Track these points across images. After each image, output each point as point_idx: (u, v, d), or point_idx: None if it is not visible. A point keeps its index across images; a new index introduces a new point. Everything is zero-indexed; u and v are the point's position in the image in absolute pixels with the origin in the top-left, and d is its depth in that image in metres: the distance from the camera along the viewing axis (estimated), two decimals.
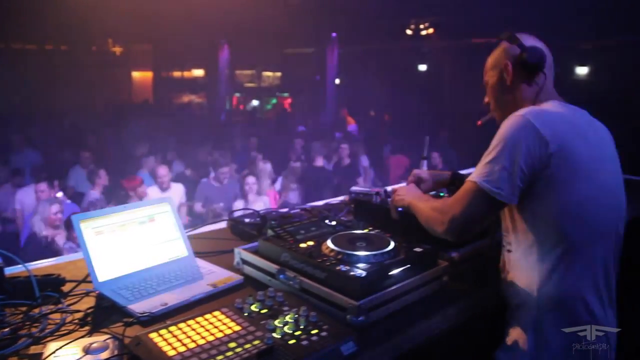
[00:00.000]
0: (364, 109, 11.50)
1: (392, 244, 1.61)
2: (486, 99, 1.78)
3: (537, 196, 1.47)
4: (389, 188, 2.44)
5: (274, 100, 14.69)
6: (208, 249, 2.04)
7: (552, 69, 1.69)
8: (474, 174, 1.50)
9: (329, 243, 1.60)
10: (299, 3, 10.08)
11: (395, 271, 1.51)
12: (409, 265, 1.54)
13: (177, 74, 16.48)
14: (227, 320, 1.38)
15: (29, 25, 11.03)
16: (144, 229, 1.82)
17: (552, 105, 1.58)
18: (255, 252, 1.75)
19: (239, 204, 5.77)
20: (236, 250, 1.79)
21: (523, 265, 1.55)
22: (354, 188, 2.71)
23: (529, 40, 1.67)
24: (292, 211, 2.44)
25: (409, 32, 10.63)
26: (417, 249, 1.62)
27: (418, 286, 1.56)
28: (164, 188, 5.63)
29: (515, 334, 1.58)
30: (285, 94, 14.81)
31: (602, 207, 1.51)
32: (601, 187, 1.51)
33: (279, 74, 15.70)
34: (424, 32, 10.63)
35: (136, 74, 16.65)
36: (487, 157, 1.49)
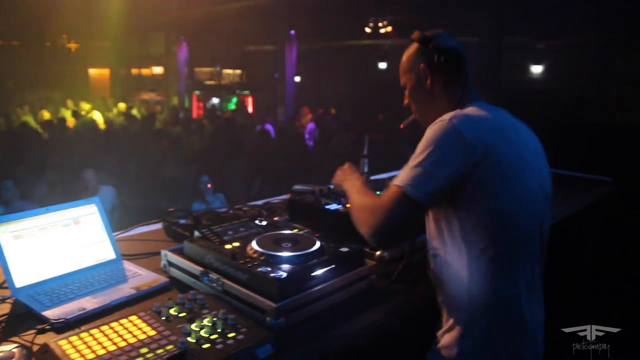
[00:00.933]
0: (324, 106, 11.50)
1: (317, 244, 1.59)
2: (406, 101, 1.75)
3: (465, 202, 1.45)
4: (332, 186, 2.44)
5: (235, 99, 14.54)
6: (139, 251, 1.99)
7: (469, 68, 1.65)
8: (399, 178, 1.46)
9: (254, 244, 1.58)
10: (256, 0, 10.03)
11: (318, 272, 1.50)
12: (333, 266, 1.53)
13: (135, 71, 16.16)
14: (142, 325, 1.34)
15: None
16: (67, 231, 1.77)
17: (476, 109, 1.54)
18: (181, 253, 1.71)
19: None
20: (163, 252, 1.75)
21: (452, 270, 1.53)
22: (296, 186, 2.69)
23: (443, 40, 1.63)
24: (230, 211, 2.41)
25: (367, 30, 10.66)
26: (343, 249, 1.61)
27: (343, 286, 1.56)
28: (89, 194, 5.41)
29: (446, 337, 1.57)
30: (246, 92, 14.69)
31: (528, 209, 1.50)
32: (526, 189, 1.50)
33: (239, 71, 15.56)
34: (382, 30, 10.68)
35: (93, 71, 16.29)
36: (412, 161, 1.46)
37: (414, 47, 1.67)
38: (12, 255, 1.61)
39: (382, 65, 13.22)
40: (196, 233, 1.74)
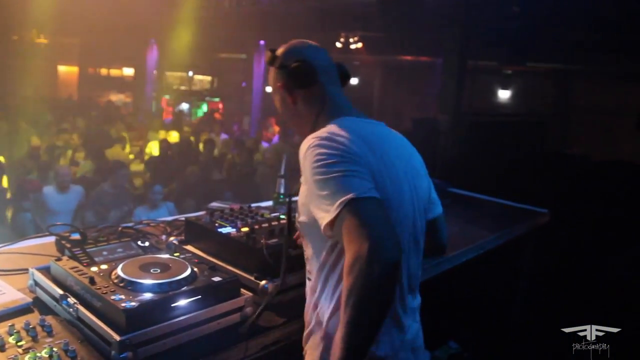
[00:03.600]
0: None
1: (187, 272, 1.50)
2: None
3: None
4: (253, 205, 2.34)
5: (204, 105, 14.40)
6: (23, 266, 1.86)
7: (331, 74, 1.58)
8: (329, 210, 1.24)
9: (118, 268, 1.48)
10: (230, 8, 9.94)
11: (181, 302, 1.40)
12: (200, 296, 1.44)
13: (104, 71, 15.90)
14: None
15: None
16: None
17: (335, 127, 1.41)
18: (48, 273, 1.60)
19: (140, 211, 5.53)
20: (31, 270, 1.63)
21: (314, 292, 1.44)
22: (213, 203, 2.60)
23: (291, 55, 1.56)
24: (136, 226, 2.30)
25: (338, 45, 10.64)
26: (216, 278, 1.52)
27: (210, 319, 1.46)
28: (62, 187, 5.31)
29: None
30: (216, 99, 14.56)
31: (398, 224, 1.38)
32: (390, 202, 1.36)
33: (209, 77, 15.43)
34: (353, 46, 10.67)
35: (62, 68, 15.97)
36: (319, 187, 1.28)
37: (270, 66, 1.62)
38: None
39: (354, 81, 13.22)
40: (66, 252, 1.62)
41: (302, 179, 1.40)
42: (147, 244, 1.74)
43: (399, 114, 10.79)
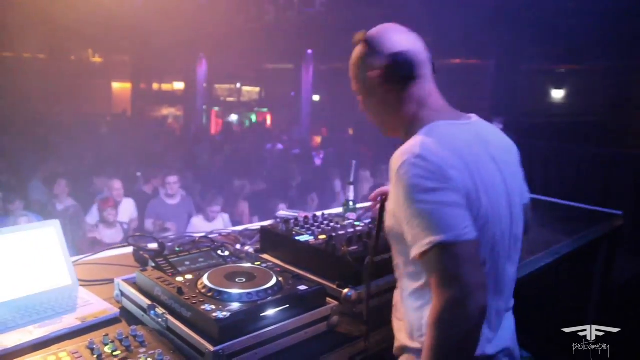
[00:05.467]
0: (342, 126, 11.41)
1: (273, 281, 1.48)
2: (361, 107, 1.49)
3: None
4: (318, 213, 2.31)
5: (253, 115, 14.58)
6: (104, 276, 1.89)
7: (427, 66, 1.39)
8: (419, 242, 1.19)
9: (204, 278, 1.47)
10: (275, 19, 10.05)
11: (269, 312, 1.37)
12: (287, 305, 1.41)
13: (155, 86, 16.35)
14: None
15: (5, 32, 10.89)
16: (21, 255, 1.68)
17: (435, 140, 1.26)
18: (134, 284, 1.61)
19: (197, 222, 5.60)
20: (116, 280, 1.65)
21: (407, 308, 1.38)
22: (280, 213, 2.59)
23: (391, 41, 1.36)
24: (209, 236, 2.31)
25: None
26: (301, 287, 1.49)
27: (299, 328, 1.43)
28: (116, 202, 5.46)
29: None
30: (264, 109, 14.73)
31: (495, 238, 1.31)
32: (488, 218, 1.27)
33: (257, 88, 15.63)
34: None
35: (116, 85, 16.49)
36: (412, 214, 1.20)
37: (359, 52, 1.41)
38: None
39: None
40: (150, 262, 1.63)
41: (391, 192, 1.30)
42: (227, 253, 1.73)
43: None
